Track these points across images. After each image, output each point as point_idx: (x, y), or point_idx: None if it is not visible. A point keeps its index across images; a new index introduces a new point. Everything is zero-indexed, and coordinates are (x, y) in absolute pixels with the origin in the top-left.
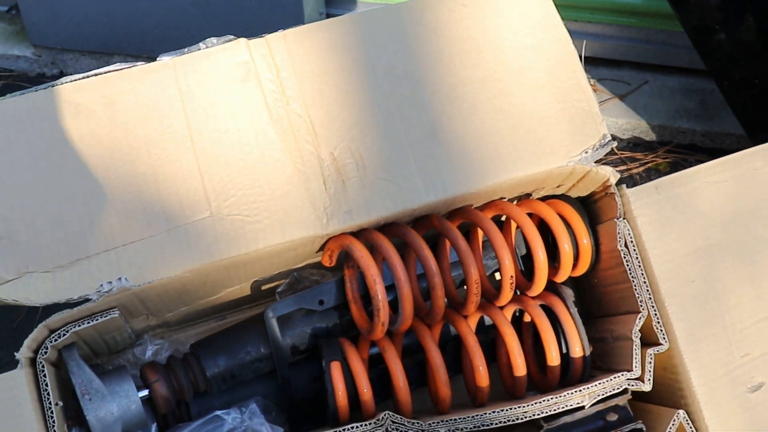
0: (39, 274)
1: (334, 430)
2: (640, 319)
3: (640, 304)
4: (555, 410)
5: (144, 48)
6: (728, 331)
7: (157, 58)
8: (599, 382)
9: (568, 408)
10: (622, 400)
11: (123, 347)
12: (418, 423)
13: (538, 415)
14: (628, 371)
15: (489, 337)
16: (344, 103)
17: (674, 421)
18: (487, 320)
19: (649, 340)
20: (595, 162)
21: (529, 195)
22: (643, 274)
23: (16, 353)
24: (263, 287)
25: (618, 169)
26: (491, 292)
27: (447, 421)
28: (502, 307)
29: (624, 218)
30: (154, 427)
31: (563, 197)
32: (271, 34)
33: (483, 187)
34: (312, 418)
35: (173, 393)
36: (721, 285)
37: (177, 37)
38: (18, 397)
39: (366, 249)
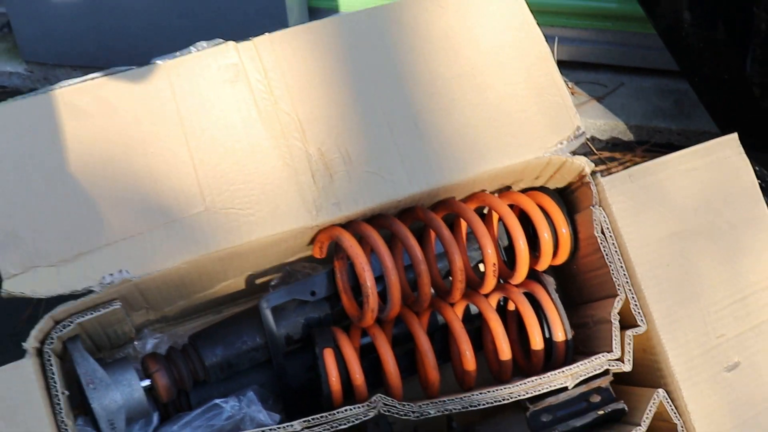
0: (43, 269)
1: (329, 412)
2: (618, 302)
3: (617, 287)
4: (539, 391)
5: (133, 62)
6: (704, 313)
7: (151, 62)
8: (581, 363)
9: (552, 389)
10: (604, 382)
11: (124, 342)
12: (409, 405)
13: (523, 396)
14: (609, 352)
15: (475, 326)
16: (330, 100)
17: (654, 399)
18: (474, 310)
19: (627, 323)
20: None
21: (509, 188)
22: (619, 258)
23: (23, 343)
24: (257, 281)
25: (598, 168)
26: (476, 280)
27: (436, 402)
28: (486, 295)
29: (600, 206)
30: (156, 416)
31: (542, 189)
32: (258, 37)
33: (464, 178)
34: (307, 405)
35: (174, 382)
36: (695, 268)
37: (165, 50)
38: (26, 385)
39: (354, 239)
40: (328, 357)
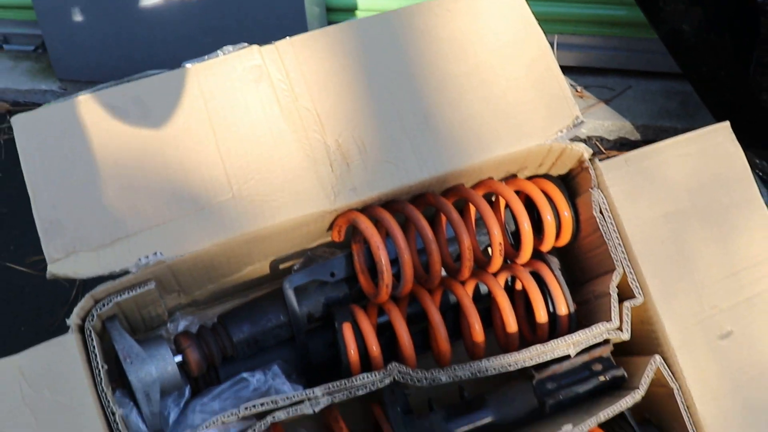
0: (84, 253)
1: (347, 379)
2: (616, 275)
3: (616, 263)
4: (543, 359)
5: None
6: (698, 286)
7: (181, 65)
8: (582, 332)
9: (556, 357)
10: (605, 351)
11: (157, 324)
12: (422, 372)
13: (529, 363)
14: (608, 322)
15: (485, 305)
16: (346, 97)
17: (651, 365)
18: (483, 290)
19: (626, 295)
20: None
21: (515, 175)
22: (617, 236)
23: (67, 319)
24: (281, 266)
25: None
26: (483, 261)
27: (447, 370)
28: (495, 275)
29: (598, 188)
30: (187, 389)
31: (545, 176)
32: (279, 41)
33: (470, 164)
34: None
35: (204, 358)
36: (689, 246)
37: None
38: (70, 358)
39: (370, 222)
40: (347, 330)
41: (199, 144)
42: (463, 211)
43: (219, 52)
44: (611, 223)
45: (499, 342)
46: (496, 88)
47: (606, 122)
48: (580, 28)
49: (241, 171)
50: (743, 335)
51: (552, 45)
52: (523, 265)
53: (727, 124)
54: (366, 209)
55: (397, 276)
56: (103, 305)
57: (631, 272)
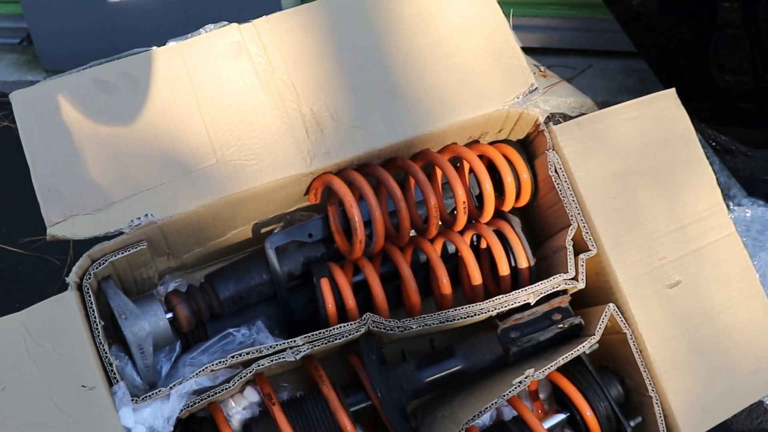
0: (81, 216)
1: (326, 329)
2: (571, 230)
3: (570, 218)
4: (506, 307)
5: None
6: (647, 239)
7: (166, 43)
8: (541, 282)
9: (518, 305)
10: (563, 301)
11: (149, 287)
12: (394, 321)
13: (492, 311)
14: (565, 273)
15: (452, 264)
16: (319, 69)
17: (606, 312)
18: (450, 249)
19: (581, 248)
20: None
21: (477, 141)
22: (571, 194)
23: (66, 278)
24: (262, 230)
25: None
26: (449, 220)
27: (417, 319)
28: (461, 233)
29: (553, 150)
30: (178, 345)
31: (505, 141)
32: (257, 19)
33: (435, 129)
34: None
35: (193, 314)
36: (638, 201)
37: None
38: (69, 313)
39: (344, 183)
40: (324, 285)
41: (185, 114)
42: (430, 176)
43: (201, 30)
44: (566, 182)
45: (466, 296)
46: (457, 58)
47: (568, 99)
48: (542, 11)
49: (224, 138)
50: (690, 284)
51: (508, 18)
52: (487, 224)
53: (672, 90)
54: (340, 172)
55: (370, 237)
56: (99, 264)
57: (585, 226)
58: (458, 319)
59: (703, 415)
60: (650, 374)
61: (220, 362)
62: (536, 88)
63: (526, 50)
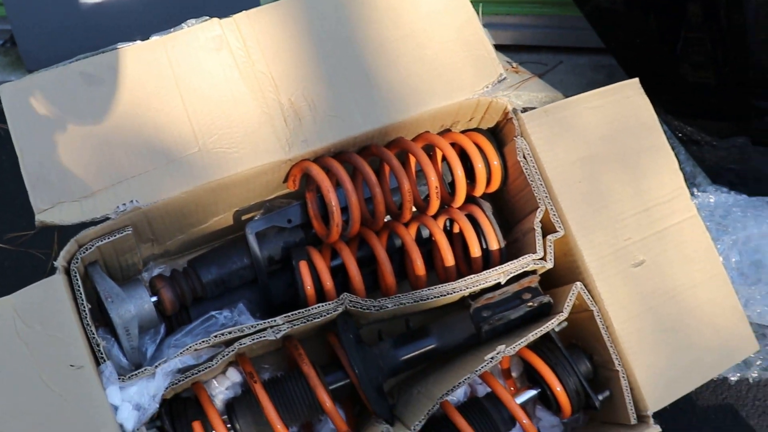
0: (68, 203)
1: (305, 309)
2: (539, 212)
3: (538, 201)
4: (477, 286)
5: None
6: (613, 220)
7: (150, 38)
8: (511, 262)
9: (489, 285)
10: (532, 281)
11: (133, 273)
12: (370, 300)
13: (465, 290)
14: (534, 253)
15: (426, 248)
16: (297, 61)
17: (573, 290)
18: (425, 234)
19: (549, 230)
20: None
21: (449, 130)
22: (539, 178)
23: (54, 262)
24: (243, 217)
25: None
26: (423, 206)
27: (392, 298)
28: (434, 218)
29: (521, 136)
30: (162, 328)
31: (476, 129)
32: (237, 14)
33: (408, 117)
34: None
35: (177, 297)
36: (603, 185)
37: None
38: (58, 296)
39: (321, 169)
40: (303, 267)
41: (168, 105)
42: (404, 163)
43: (183, 24)
44: (534, 167)
45: (440, 278)
46: (429, 50)
47: (540, 94)
48: (514, 9)
49: (206, 127)
50: (654, 263)
51: (477, 12)
52: (459, 209)
53: (636, 80)
54: (317, 159)
55: (347, 222)
56: (86, 249)
57: (552, 209)
58: (432, 298)
59: (668, 388)
60: (616, 350)
61: (203, 341)
62: (505, 77)
63: (499, 47)
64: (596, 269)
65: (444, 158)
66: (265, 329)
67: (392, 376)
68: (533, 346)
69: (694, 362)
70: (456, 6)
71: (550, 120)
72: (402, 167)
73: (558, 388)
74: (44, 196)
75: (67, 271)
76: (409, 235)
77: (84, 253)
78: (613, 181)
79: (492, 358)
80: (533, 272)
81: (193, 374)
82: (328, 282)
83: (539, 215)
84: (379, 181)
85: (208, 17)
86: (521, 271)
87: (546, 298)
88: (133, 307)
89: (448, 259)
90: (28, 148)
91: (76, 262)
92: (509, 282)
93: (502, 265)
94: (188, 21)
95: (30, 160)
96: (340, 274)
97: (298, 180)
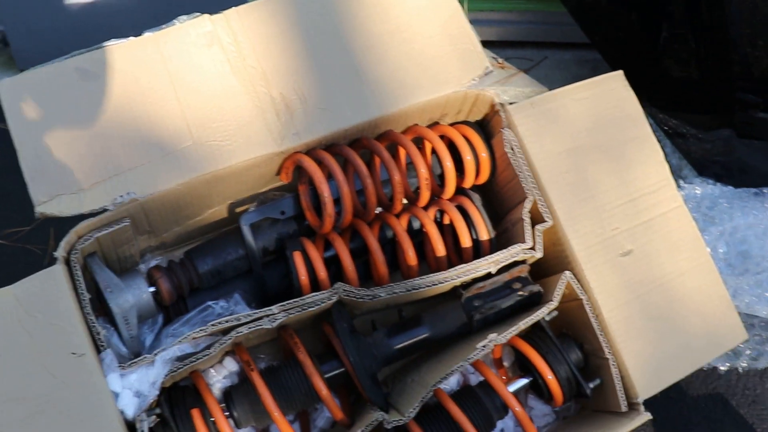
0: (67, 195)
1: (300, 298)
2: (527, 202)
3: (527, 191)
4: (468, 275)
5: None
6: (599, 211)
7: (142, 34)
8: (500, 252)
9: (480, 275)
10: (522, 271)
11: (131, 265)
12: (363, 289)
13: (456, 280)
14: (523, 243)
15: (418, 239)
16: (287, 55)
17: (563, 279)
18: (416, 226)
19: (537, 220)
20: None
21: (437, 123)
22: (527, 169)
23: (54, 253)
24: (237, 210)
25: None
26: (413, 197)
27: (385, 287)
28: (425, 209)
29: (509, 128)
30: (160, 317)
31: (464, 122)
32: (227, 10)
33: (397, 110)
34: None
35: (174, 287)
36: (590, 176)
37: None
38: (59, 285)
39: (313, 161)
40: (297, 257)
41: (162, 99)
42: (394, 156)
43: (175, 21)
44: (521, 158)
45: (431, 268)
46: (416, 44)
47: (526, 89)
48: (498, 5)
49: (200, 121)
50: (642, 253)
51: (463, 8)
52: (449, 200)
53: (620, 72)
54: (309, 152)
55: (339, 214)
56: (85, 240)
57: (540, 199)
58: (424, 288)
59: (657, 375)
60: (606, 337)
61: (201, 330)
62: (491, 71)
63: (484, 43)
64: (584, 258)
65: (433, 150)
66: (261, 318)
67: (386, 364)
68: (524, 336)
69: (683, 350)
70: (441, 1)
71: (537, 112)
72: (392, 159)
73: (549, 377)
74: (43, 188)
75: (67, 262)
76: (400, 225)
77: (83, 244)
78: (599, 171)
79: (484, 346)
80: (523, 262)
81: (191, 362)
82: (322, 272)
83: (527, 205)
84: (370, 172)
85: (198, 13)
86: (511, 260)
87: (536, 287)
88: (131, 297)
89: (439, 249)
90: (26, 142)
91: (76, 253)
92: (500, 272)
93: (493, 255)
94: (179, 17)
95: (28, 154)
96: (333, 265)
97: (290, 172)
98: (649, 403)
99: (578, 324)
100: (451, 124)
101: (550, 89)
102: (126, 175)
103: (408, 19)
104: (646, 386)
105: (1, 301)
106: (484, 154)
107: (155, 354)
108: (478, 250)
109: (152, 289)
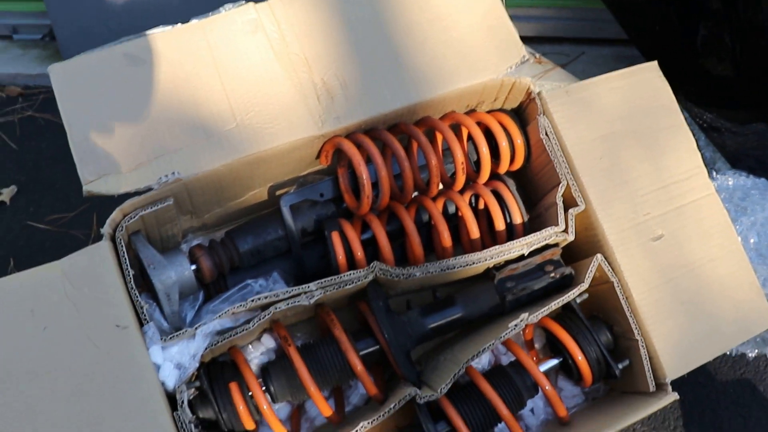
0: (113, 175)
1: (337, 276)
2: (561, 187)
3: (560, 176)
4: (501, 257)
5: None
6: (632, 196)
7: (190, 21)
8: (533, 234)
9: (513, 257)
10: (555, 253)
11: (173, 244)
12: (399, 268)
13: (489, 260)
14: (556, 226)
15: (453, 223)
16: (329, 43)
17: (594, 262)
18: (450, 210)
19: (570, 205)
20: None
21: (474, 110)
22: (561, 155)
23: (101, 229)
24: (277, 192)
25: None
26: (449, 182)
27: (420, 267)
28: (460, 193)
29: (544, 115)
30: (201, 294)
31: (501, 110)
32: None
33: (435, 96)
34: None
35: (215, 265)
36: (623, 162)
37: None
38: (104, 261)
39: (353, 144)
40: (335, 237)
41: (207, 84)
42: (431, 141)
43: (221, 9)
44: (555, 144)
45: (465, 251)
46: (455, 32)
47: (562, 84)
48: (537, 1)
49: (243, 105)
50: (673, 238)
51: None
52: (484, 185)
53: (655, 63)
54: (349, 136)
55: (377, 197)
56: (130, 218)
57: (573, 184)
58: (458, 268)
59: (685, 357)
60: (636, 320)
61: (240, 305)
62: (528, 59)
63: (522, 39)
64: (616, 242)
65: (470, 137)
66: (299, 294)
67: (420, 343)
68: (556, 317)
69: (711, 333)
70: None
71: (572, 100)
72: (430, 144)
73: (580, 357)
74: (91, 168)
75: (113, 239)
76: (436, 208)
77: (128, 222)
78: (632, 158)
79: (515, 325)
80: (555, 245)
81: (230, 336)
82: (359, 252)
83: (561, 190)
84: (407, 156)
85: (244, 1)
86: (544, 243)
87: (567, 270)
88: (174, 273)
89: (474, 231)
90: (75, 123)
91: (121, 230)
92: (532, 255)
93: (526, 237)
94: (225, 5)
95: (77, 134)
96: (370, 247)
97: (330, 155)
98: (678, 387)
99: (609, 307)
100: (488, 112)
101: None
102: (171, 156)
103: (447, 9)
104: (674, 367)
105: (49, 276)
106: (519, 141)
107: (196, 328)
108: (512, 234)
109: (194, 266)
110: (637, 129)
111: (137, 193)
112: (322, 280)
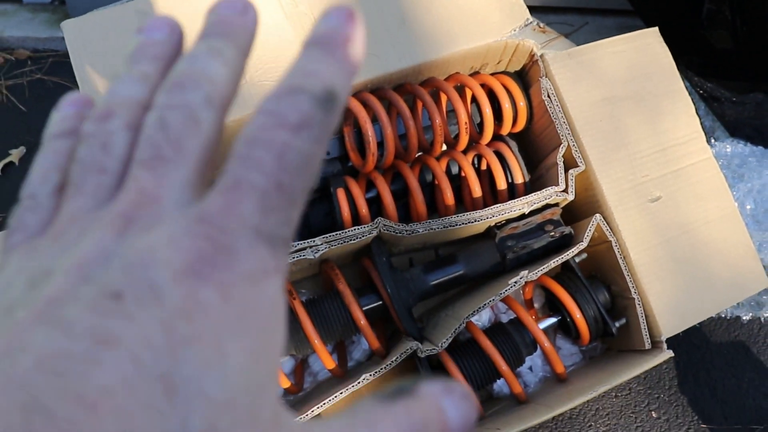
0: None
1: (342, 231)
2: (562, 148)
3: (561, 137)
4: (503, 215)
5: None
6: (631, 158)
7: None
8: (534, 194)
9: (513, 215)
10: (554, 213)
11: None
12: (402, 225)
13: (490, 218)
14: (556, 186)
15: (455, 184)
16: (336, 3)
17: (593, 221)
18: (453, 170)
19: (571, 165)
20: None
21: (478, 72)
22: (562, 116)
23: None
24: None
25: None
26: (453, 142)
27: (423, 223)
28: (463, 153)
29: (546, 77)
30: None
31: (504, 72)
32: None
33: (440, 56)
34: None
35: None
36: (623, 125)
37: None
38: None
39: (359, 103)
40: (341, 194)
41: None
42: (436, 102)
43: None
44: (557, 105)
45: (467, 209)
46: None
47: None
48: None
49: (253, 62)
50: (670, 200)
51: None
52: (486, 146)
53: (656, 29)
54: (355, 95)
55: (382, 155)
56: None
57: (574, 145)
58: (460, 225)
59: (681, 316)
60: (633, 278)
61: None
62: (531, 21)
63: (528, 9)
64: (615, 202)
65: (473, 99)
66: (304, 249)
67: (422, 299)
68: (555, 277)
69: (707, 292)
70: None
71: (574, 62)
72: (434, 103)
73: (578, 315)
74: None
75: None
76: (439, 167)
77: None
78: (632, 121)
79: (515, 282)
80: (555, 205)
81: None
82: (363, 208)
83: (562, 150)
84: (412, 116)
85: None
86: (544, 202)
87: (567, 229)
88: None
89: (476, 190)
90: (86, 78)
91: None
92: (532, 215)
93: (527, 196)
94: None
95: (88, 89)
96: (374, 205)
97: None
98: (674, 348)
99: (606, 266)
100: (491, 74)
101: None
102: None
103: None
104: (669, 325)
105: None
106: (521, 103)
107: None
108: (513, 193)
109: None
110: (637, 93)
111: None
112: (327, 235)
